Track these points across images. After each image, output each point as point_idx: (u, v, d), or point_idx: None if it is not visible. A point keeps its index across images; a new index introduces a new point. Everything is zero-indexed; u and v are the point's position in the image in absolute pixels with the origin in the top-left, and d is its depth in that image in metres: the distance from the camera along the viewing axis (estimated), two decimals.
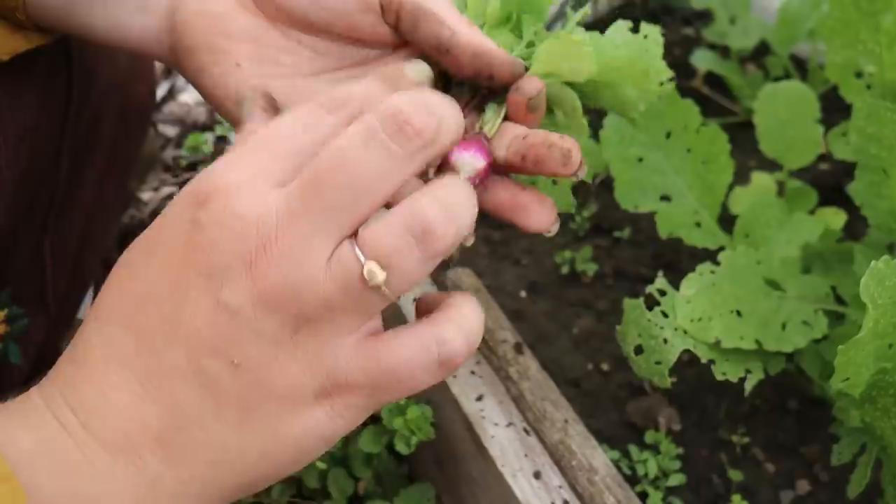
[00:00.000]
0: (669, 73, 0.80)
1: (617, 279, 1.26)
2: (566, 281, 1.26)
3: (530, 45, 0.75)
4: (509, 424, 0.92)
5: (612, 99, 0.81)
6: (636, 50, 0.77)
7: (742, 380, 1.16)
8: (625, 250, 1.30)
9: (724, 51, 1.54)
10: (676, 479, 1.04)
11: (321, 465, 1.00)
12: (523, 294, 1.23)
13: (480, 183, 0.70)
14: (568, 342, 1.18)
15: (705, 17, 1.64)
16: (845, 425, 0.98)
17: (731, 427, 1.12)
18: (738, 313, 0.98)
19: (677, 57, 1.56)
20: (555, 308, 1.22)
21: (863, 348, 0.87)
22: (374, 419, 0.99)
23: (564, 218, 1.35)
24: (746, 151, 1.40)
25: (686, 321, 0.96)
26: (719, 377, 0.95)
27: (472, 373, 0.96)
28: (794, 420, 1.14)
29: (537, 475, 0.88)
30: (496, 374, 0.98)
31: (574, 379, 1.14)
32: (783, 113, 1.23)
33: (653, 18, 1.72)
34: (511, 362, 0.99)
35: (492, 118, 0.71)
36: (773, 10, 1.46)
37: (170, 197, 1.58)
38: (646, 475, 1.04)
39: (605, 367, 1.16)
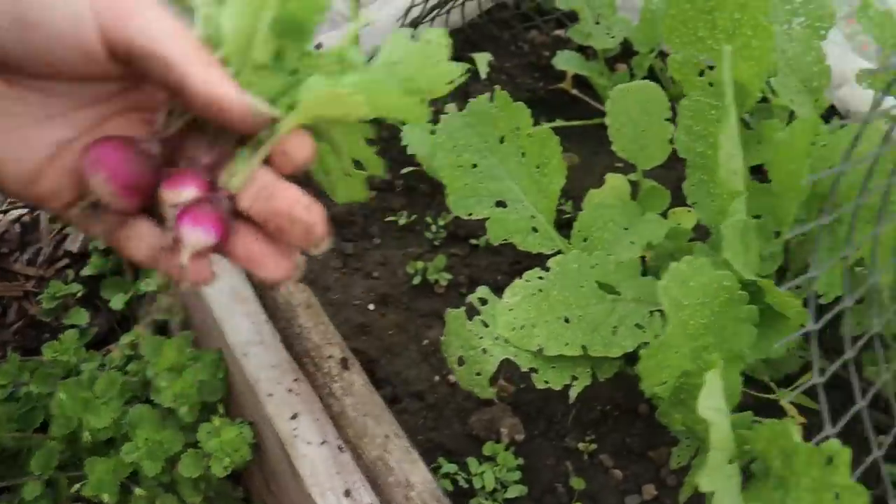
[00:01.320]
0: (459, 71, 0.77)
1: (471, 288, 1.23)
2: (418, 291, 1.23)
3: (294, 72, 0.71)
4: (323, 442, 0.89)
5: (395, 118, 0.79)
6: (419, 60, 0.75)
7: (587, 388, 1.15)
8: (482, 258, 1.28)
9: (593, 52, 1.52)
10: (516, 491, 1.02)
11: (141, 493, 0.97)
12: (372, 307, 1.20)
13: (213, 249, 0.65)
14: (416, 354, 1.15)
15: (577, 18, 1.63)
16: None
17: (579, 434, 1.10)
18: (566, 319, 0.96)
19: (548, 59, 1.54)
20: (405, 320, 1.19)
21: (675, 351, 0.86)
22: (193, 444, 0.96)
23: (420, 227, 1.33)
24: (612, 152, 1.38)
25: (507, 330, 0.94)
26: (541, 385, 0.93)
27: (290, 391, 0.93)
28: (644, 424, 1.12)
29: (347, 493, 0.86)
30: (320, 390, 0.96)
31: (419, 392, 1.11)
32: (634, 113, 1.21)
33: (525, 20, 1.70)
34: (336, 378, 0.97)
35: (241, 169, 0.66)
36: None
37: (18, 220, 1.54)
38: (483, 487, 1.01)
39: (452, 378, 1.14)
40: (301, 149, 0.66)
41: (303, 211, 0.64)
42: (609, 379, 1.14)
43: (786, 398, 1.14)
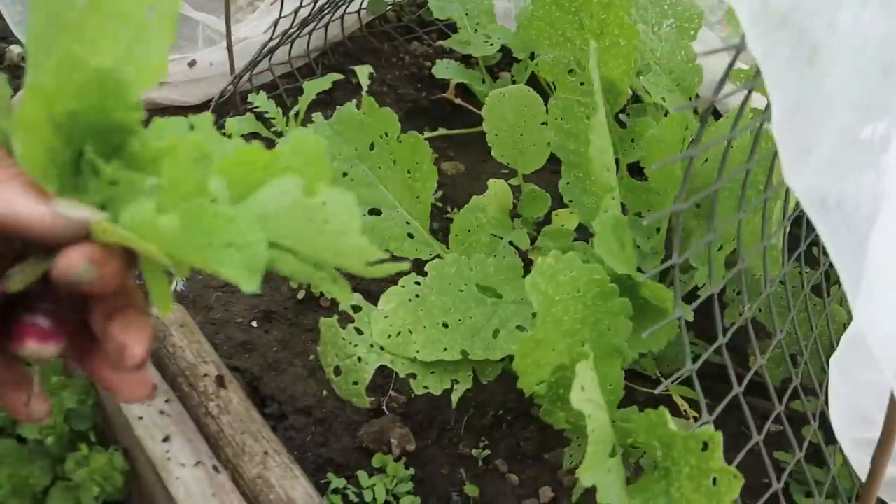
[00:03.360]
0: (376, 255, 0.67)
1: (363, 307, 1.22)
2: (302, 307, 1.20)
3: (114, 183, 0.63)
4: (197, 464, 0.86)
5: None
6: (309, 223, 0.65)
7: (479, 393, 1.14)
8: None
9: (476, 61, 1.52)
10: (408, 502, 1.00)
11: None
12: (255, 324, 1.17)
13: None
14: (302, 370, 1.12)
15: (457, 29, 1.63)
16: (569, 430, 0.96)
17: (473, 441, 1.09)
18: (445, 324, 0.95)
19: (430, 70, 1.54)
20: (289, 336, 1.16)
21: (551, 348, 0.85)
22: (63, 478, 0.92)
23: None
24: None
25: (383, 337, 0.92)
26: (419, 391, 0.91)
27: (161, 412, 0.90)
28: (537, 427, 1.11)
29: None
30: (196, 410, 0.92)
31: (306, 407, 1.08)
32: (511, 117, 1.21)
33: (407, 32, 1.70)
34: (212, 397, 0.93)
35: (23, 271, 0.58)
36: None
37: None
38: (374, 501, 0.99)
39: None
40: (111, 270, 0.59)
41: (117, 331, 0.56)
42: (500, 384, 1.13)
43: (676, 393, 1.15)
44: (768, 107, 0.77)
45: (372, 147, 1.03)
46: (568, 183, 1.05)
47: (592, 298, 0.84)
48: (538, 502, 1.04)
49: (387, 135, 1.02)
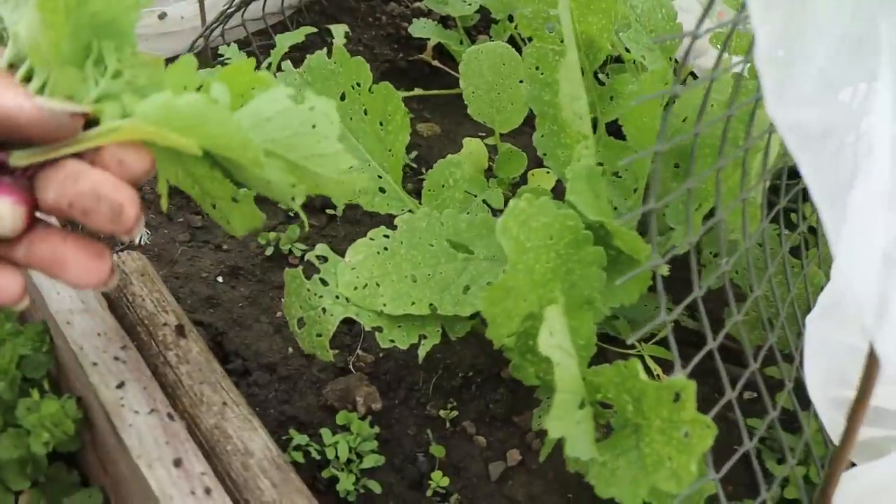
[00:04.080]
0: (350, 161, 0.70)
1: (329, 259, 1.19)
2: (271, 263, 1.18)
3: (117, 75, 0.64)
4: (152, 411, 0.83)
5: (258, 182, 0.71)
6: (297, 127, 0.67)
7: (448, 354, 1.12)
8: (339, 229, 1.24)
9: (455, 23, 1.49)
10: (373, 460, 0.97)
11: None
12: (220, 280, 1.14)
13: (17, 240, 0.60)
14: (268, 326, 1.10)
15: None
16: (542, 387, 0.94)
17: (441, 402, 1.06)
18: (414, 278, 0.92)
19: (407, 30, 1.51)
20: (256, 292, 1.14)
21: (522, 298, 0.82)
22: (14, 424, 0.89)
23: None
24: (475, 122, 1.35)
25: (349, 289, 0.89)
26: (385, 345, 0.89)
27: (116, 359, 0.87)
28: (507, 390, 1.09)
29: (177, 463, 0.80)
30: (154, 359, 0.89)
31: (271, 364, 1.05)
32: (489, 75, 1.19)
33: None
34: (171, 346, 0.90)
35: (36, 151, 0.60)
36: None
37: None
38: (336, 458, 0.96)
39: None
40: (139, 160, 0.60)
41: (110, 188, 0.58)
42: (470, 345, 1.11)
43: (648, 353, 1.13)
44: (752, 46, 0.75)
45: (343, 98, 1.00)
46: (542, 136, 1.02)
47: (565, 246, 0.81)
48: (505, 465, 1.02)
49: (358, 85, 0.99)
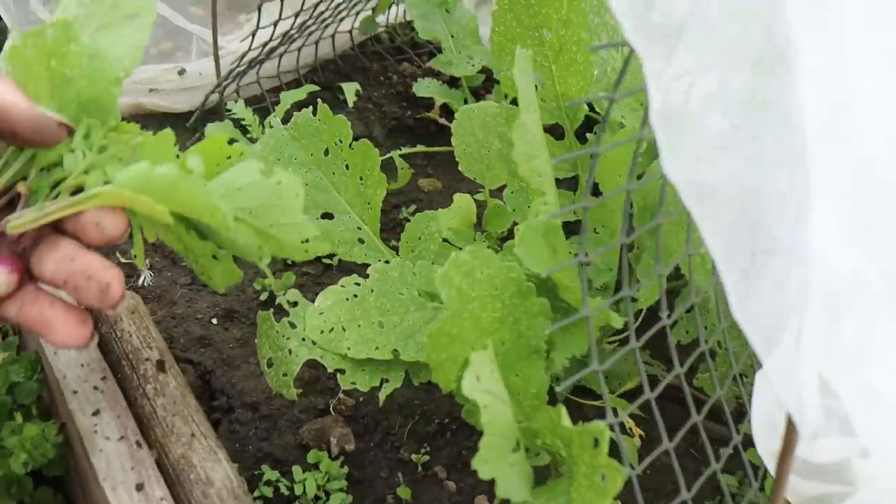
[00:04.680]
0: (313, 232, 0.78)
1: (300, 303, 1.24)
2: (264, 308, 1.23)
3: (102, 149, 0.73)
4: (121, 438, 0.89)
5: (228, 242, 0.79)
6: (266, 198, 0.75)
7: (427, 401, 1.15)
8: (334, 277, 1.28)
9: (456, 79, 1.56)
10: (339, 499, 1.01)
11: None
12: (214, 321, 1.20)
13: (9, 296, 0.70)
14: (255, 367, 1.15)
15: None
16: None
17: (415, 447, 1.10)
18: (381, 324, 0.96)
19: None
20: (248, 335, 1.19)
21: (469, 346, 0.86)
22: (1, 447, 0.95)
23: None
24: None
25: (315, 332, 0.94)
26: (347, 386, 0.93)
27: (95, 388, 0.93)
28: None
29: (139, 487, 0.85)
30: (133, 391, 0.95)
31: (253, 403, 1.11)
32: (479, 133, 1.24)
33: (398, 53, 1.74)
34: (150, 380, 0.96)
35: (26, 216, 0.69)
36: None
37: None
38: (304, 494, 1.01)
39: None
40: (114, 224, 0.69)
41: (99, 268, 0.69)
42: (448, 393, 1.15)
43: (625, 410, 1.15)
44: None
45: (327, 153, 1.06)
46: (512, 192, 1.07)
47: (510, 297, 0.85)
48: None
49: (341, 141, 1.05)
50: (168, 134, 0.75)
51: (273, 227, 0.77)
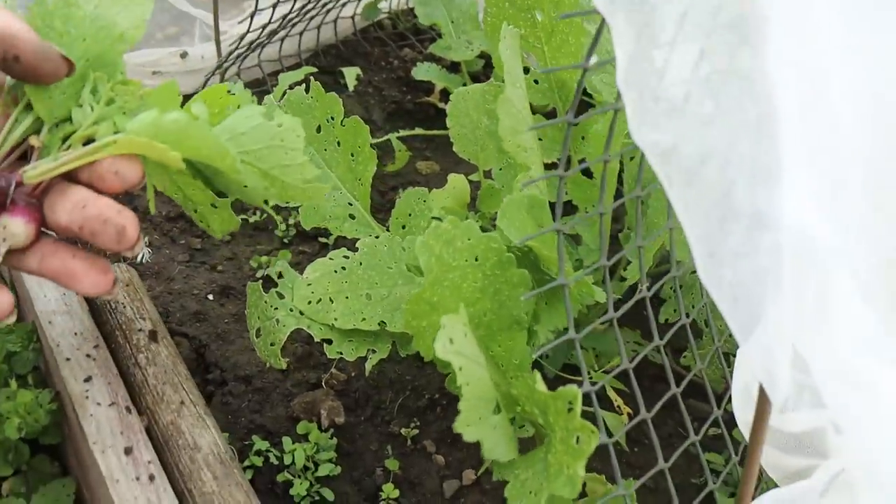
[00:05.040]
0: (314, 172, 0.81)
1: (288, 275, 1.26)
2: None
3: (110, 102, 0.76)
4: (112, 404, 0.91)
5: (236, 187, 0.81)
6: (268, 141, 0.78)
7: (419, 376, 1.17)
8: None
9: (457, 65, 1.57)
10: (327, 469, 1.03)
11: None
12: (211, 297, 1.22)
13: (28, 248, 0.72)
14: (250, 343, 1.16)
15: None
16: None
17: (405, 421, 1.12)
18: (368, 297, 0.98)
19: None
20: (243, 311, 1.21)
21: (449, 313, 0.87)
22: None
23: (271, 225, 1.35)
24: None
25: (303, 303, 0.96)
26: (333, 356, 0.95)
27: (88, 356, 0.95)
28: None
29: (128, 451, 0.87)
30: (126, 360, 0.97)
31: (246, 376, 1.12)
32: (473, 114, 1.25)
33: (400, 39, 1.76)
34: (143, 349, 0.98)
35: (42, 166, 0.72)
36: None
37: None
38: (293, 464, 1.02)
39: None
40: (132, 170, 0.72)
41: (114, 213, 0.71)
42: (437, 368, 1.16)
43: (603, 381, 1.16)
44: None
45: (319, 130, 1.07)
46: (500, 169, 1.08)
47: (491, 267, 0.87)
48: (460, 483, 1.07)
49: (332, 119, 1.06)
50: (172, 84, 0.77)
51: (276, 168, 0.79)
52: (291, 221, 1.34)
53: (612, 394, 1.14)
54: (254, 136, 0.77)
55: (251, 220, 1.35)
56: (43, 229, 0.74)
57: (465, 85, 1.50)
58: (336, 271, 0.98)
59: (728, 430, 1.01)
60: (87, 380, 0.93)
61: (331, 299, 0.96)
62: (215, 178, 0.82)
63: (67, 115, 0.75)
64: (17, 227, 0.70)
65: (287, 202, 0.86)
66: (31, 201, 0.72)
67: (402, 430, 1.10)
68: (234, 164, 0.74)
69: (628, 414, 1.14)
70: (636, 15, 0.63)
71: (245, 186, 0.80)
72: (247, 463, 1.02)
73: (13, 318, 0.72)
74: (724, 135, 0.65)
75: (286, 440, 1.05)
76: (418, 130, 1.45)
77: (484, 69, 1.62)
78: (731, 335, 1.06)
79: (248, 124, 0.77)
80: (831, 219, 0.65)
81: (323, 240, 1.33)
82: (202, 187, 0.83)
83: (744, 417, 0.89)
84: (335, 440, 1.06)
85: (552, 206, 1.03)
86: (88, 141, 0.74)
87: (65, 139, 0.75)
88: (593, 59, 0.73)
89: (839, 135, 0.65)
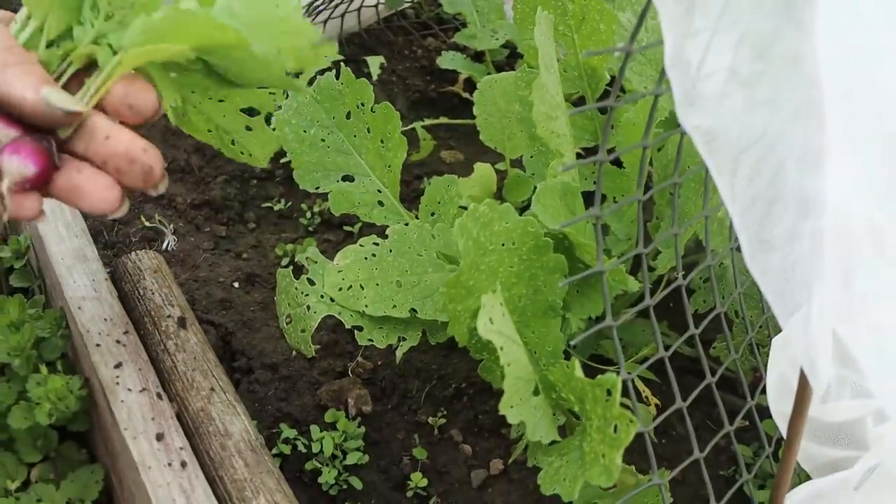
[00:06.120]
0: (310, 30, 0.79)
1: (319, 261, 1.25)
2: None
3: (109, 17, 0.73)
4: (142, 390, 0.90)
5: (250, 70, 0.79)
6: (263, 9, 0.76)
7: (445, 365, 1.16)
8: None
9: (481, 55, 1.56)
10: (355, 458, 1.03)
11: None
12: (236, 285, 1.21)
13: (35, 186, 0.69)
14: (276, 330, 1.16)
15: None
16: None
17: (432, 410, 1.11)
18: (399, 284, 0.97)
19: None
20: (269, 299, 1.21)
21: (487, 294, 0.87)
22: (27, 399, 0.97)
23: (296, 213, 1.35)
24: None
25: (333, 289, 0.95)
26: (364, 343, 0.94)
27: (118, 342, 0.95)
28: (498, 401, 1.12)
29: (159, 437, 0.87)
30: (155, 346, 0.97)
31: (273, 364, 1.12)
32: (501, 103, 1.24)
33: (424, 28, 1.75)
34: (172, 336, 0.98)
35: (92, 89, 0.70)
36: None
37: None
38: (321, 452, 1.02)
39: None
40: (146, 99, 0.70)
41: (140, 152, 0.69)
42: (466, 358, 1.16)
43: (636, 371, 1.15)
44: None
45: (349, 116, 1.06)
46: (531, 156, 1.07)
47: (528, 252, 0.86)
48: (487, 473, 1.06)
49: (362, 105, 1.06)
50: None
51: (278, 36, 0.77)
52: (316, 209, 1.34)
53: (639, 384, 1.13)
54: (249, 9, 0.74)
55: (276, 207, 1.35)
56: None
57: (489, 74, 1.49)
58: (366, 258, 0.98)
59: (757, 421, 1.00)
60: (118, 366, 0.92)
61: (361, 286, 0.96)
62: (228, 71, 0.79)
63: (68, 31, 0.73)
64: (14, 164, 0.67)
65: (301, 70, 0.82)
66: (39, 142, 0.69)
67: (430, 419, 1.10)
68: (239, 37, 0.71)
69: (656, 405, 1.13)
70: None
71: (258, 63, 0.77)
72: (275, 451, 1.02)
73: (43, 217, 0.71)
74: (771, 119, 0.64)
75: (314, 428, 1.04)
76: (443, 119, 1.44)
77: (508, 59, 1.61)
78: (761, 326, 1.05)
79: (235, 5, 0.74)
80: (876, 204, 0.64)
81: (348, 228, 1.32)
82: (232, 109, 0.82)
83: (779, 408, 0.88)
84: (363, 428, 1.06)
85: (584, 194, 1.03)
86: (90, 61, 0.72)
87: (64, 56, 0.73)
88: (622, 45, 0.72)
89: (886, 117, 0.64)
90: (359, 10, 1.63)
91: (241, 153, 0.88)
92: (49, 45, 0.73)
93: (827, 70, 0.61)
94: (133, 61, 0.70)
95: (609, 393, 0.74)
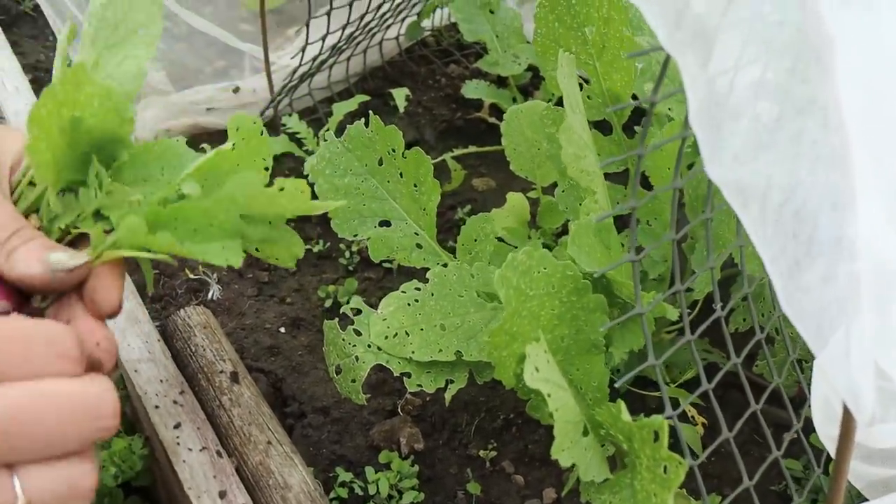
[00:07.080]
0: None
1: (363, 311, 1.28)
2: (329, 314, 1.27)
3: (109, 193, 0.73)
4: (203, 449, 0.93)
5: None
6: (272, 206, 0.76)
7: (493, 397, 1.18)
8: (396, 281, 1.32)
9: (504, 79, 1.58)
10: (411, 497, 1.05)
11: None
12: (283, 330, 1.24)
13: None
14: (324, 373, 1.19)
15: None
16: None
17: (482, 443, 1.13)
18: (443, 327, 1.00)
19: None
20: (315, 342, 1.23)
21: (529, 341, 0.89)
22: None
23: (335, 254, 1.38)
24: None
25: (380, 338, 0.98)
26: (413, 389, 0.96)
27: (175, 402, 0.97)
28: (546, 431, 1.15)
29: (222, 495, 0.89)
30: (210, 403, 1.00)
31: (324, 407, 1.15)
32: (528, 132, 1.26)
33: (445, 56, 1.77)
34: (226, 391, 1.01)
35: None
36: None
37: None
38: (378, 493, 1.04)
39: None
40: (107, 301, 0.69)
41: (93, 346, 0.68)
42: (512, 390, 1.18)
43: (686, 400, 1.17)
44: None
45: (380, 163, 1.09)
46: (563, 191, 1.09)
47: (567, 294, 0.88)
48: (541, 502, 1.08)
49: (393, 150, 1.08)
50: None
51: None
52: (355, 248, 1.36)
53: (684, 405, 1.14)
54: (255, 202, 0.74)
55: (315, 249, 1.37)
56: None
57: (514, 99, 1.51)
58: (409, 304, 1.00)
59: (806, 436, 1.01)
60: (177, 426, 0.95)
61: (406, 332, 0.98)
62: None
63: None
64: None
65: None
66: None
67: (481, 453, 1.12)
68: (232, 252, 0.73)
69: (703, 424, 1.14)
70: (700, 49, 0.64)
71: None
72: (332, 495, 1.04)
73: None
74: (798, 167, 0.65)
75: (368, 469, 1.07)
76: (472, 148, 1.46)
77: (532, 80, 1.62)
78: (805, 344, 1.05)
79: (245, 191, 0.73)
80: None
81: (387, 265, 1.35)
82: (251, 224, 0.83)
83: (826, 432, 0.89)
84: (416, 467, 1.08)
85: (616, 224, 1.04)
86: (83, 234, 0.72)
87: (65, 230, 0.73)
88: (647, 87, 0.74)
89: None
90: (380, 44, 1.66)
91: (267, 257, 0.89)
92: (50, 219, 0.73)
93: (852, 115, 0.62)
94: (116, 255, 0.70)
95: (656, 435, 0.76)
